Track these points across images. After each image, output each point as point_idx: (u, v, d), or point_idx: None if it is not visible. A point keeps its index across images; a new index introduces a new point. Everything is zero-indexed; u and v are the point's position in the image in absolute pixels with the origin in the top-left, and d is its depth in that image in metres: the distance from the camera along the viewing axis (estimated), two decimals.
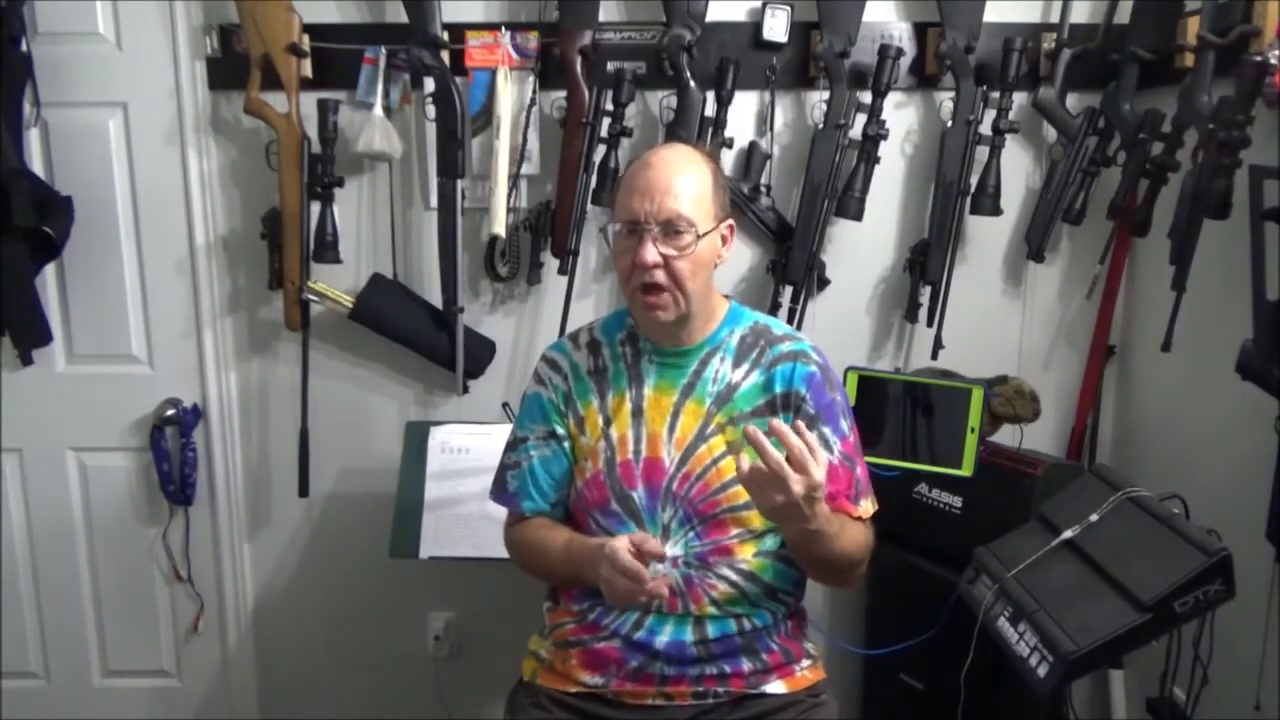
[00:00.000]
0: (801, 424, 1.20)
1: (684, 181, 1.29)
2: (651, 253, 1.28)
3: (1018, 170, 1.99)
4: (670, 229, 1.28)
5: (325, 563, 2.19)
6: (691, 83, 1.87)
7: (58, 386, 2.10)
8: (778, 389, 1.37)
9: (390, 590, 2.16)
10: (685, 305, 1.32)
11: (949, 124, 1.90)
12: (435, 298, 2.01)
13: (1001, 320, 2.08)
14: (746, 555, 1.36)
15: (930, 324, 1.99)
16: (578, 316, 1.89)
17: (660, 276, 1.29)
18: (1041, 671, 1.32)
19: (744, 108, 1.97)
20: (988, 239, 2.04)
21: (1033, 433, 1.88)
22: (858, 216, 1.93)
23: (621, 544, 1.21)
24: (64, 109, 1.97)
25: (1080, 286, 2.03)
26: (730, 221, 1.37)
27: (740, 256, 2.04)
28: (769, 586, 1.38)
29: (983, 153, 1.91)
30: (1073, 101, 1.91)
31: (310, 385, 2.02)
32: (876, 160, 1.92)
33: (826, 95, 1.89)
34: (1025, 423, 1.85)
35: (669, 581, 1.25)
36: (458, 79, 1.90)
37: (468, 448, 1.92)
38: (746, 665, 1.37)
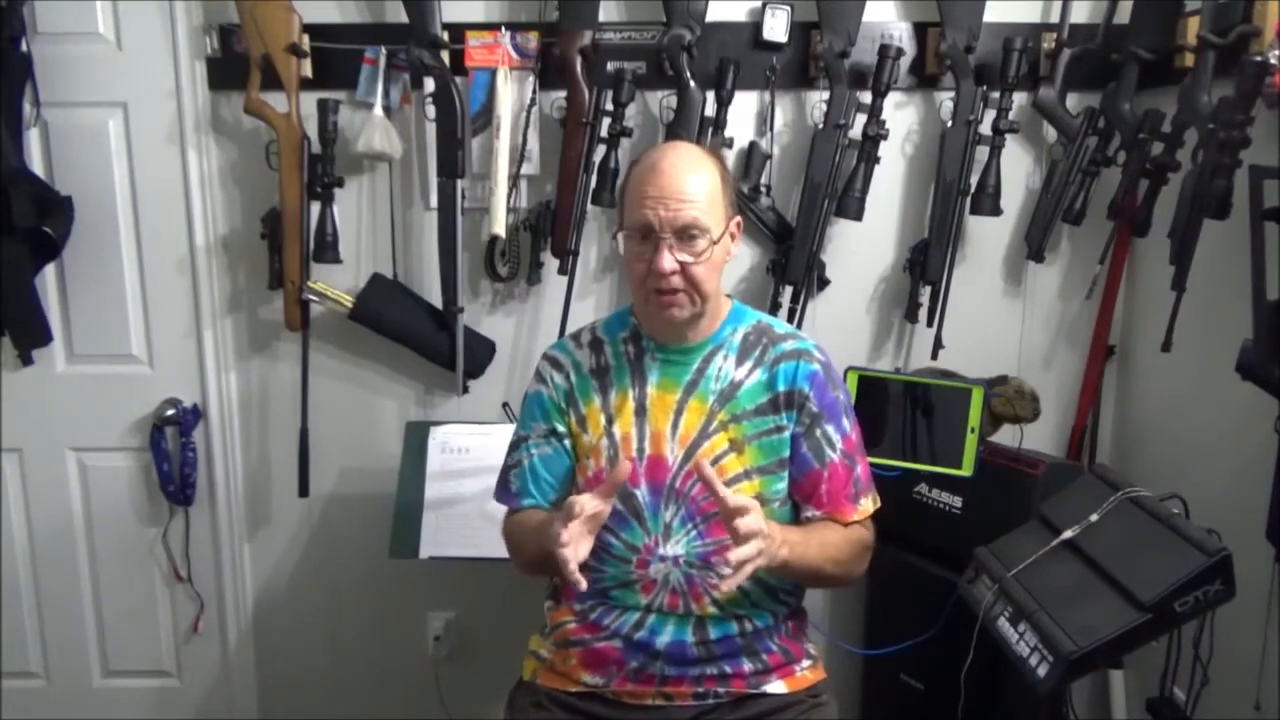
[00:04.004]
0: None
1: (697, 186, 1.29)
2: (669, 261, 1.28)
3: (1018, 170, 1.99)
4: (685, 235, 1.28)
5: (325, 563, 2.19)
6: (691, 83, 1.86)
7: (58, 386, 2.10)
8: (780, 387, 1.38)
9: (390, 590, 2.16)
10: (700, 305, 1.33)
11: (949, 124, 1.90)
12: (435, 298, 2.01)
13: (1001, 320, 2.08)
14: None
15: (930, 324, 1.99)
16: (578, 316, 1.89)
17: (677, 282, 1.29)
18: (1041, 671, 1.32)
19: (744, 108, 1.97)
20: (988, 239, 2.04)
21: (1033, 433, 1.88)
22: (858, 216, 1.93)
23: (584, 495, 1.22)
24: (64, 109, 1.97)
25: (1080, 286, 2.03)
26: (738, 219, 1.38)
27: (740, 256, 2.04)
28: (770, 587, 1.38)
29: (983, 153, 1.91)
30: (1073, 101, 1.91)
31: (310, 385, 2.02)
32: (876, 160, 1.92)
33: (826, 95, 1.89)
34: (1025, 423, 1.85)
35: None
36: (458, 79, 1.90)
37: (468, 448, 1.92)
38: (747, 665, 1.37)
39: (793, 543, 1.27)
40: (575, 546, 1.19)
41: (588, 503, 1.21)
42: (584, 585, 1.19)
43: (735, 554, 1.15)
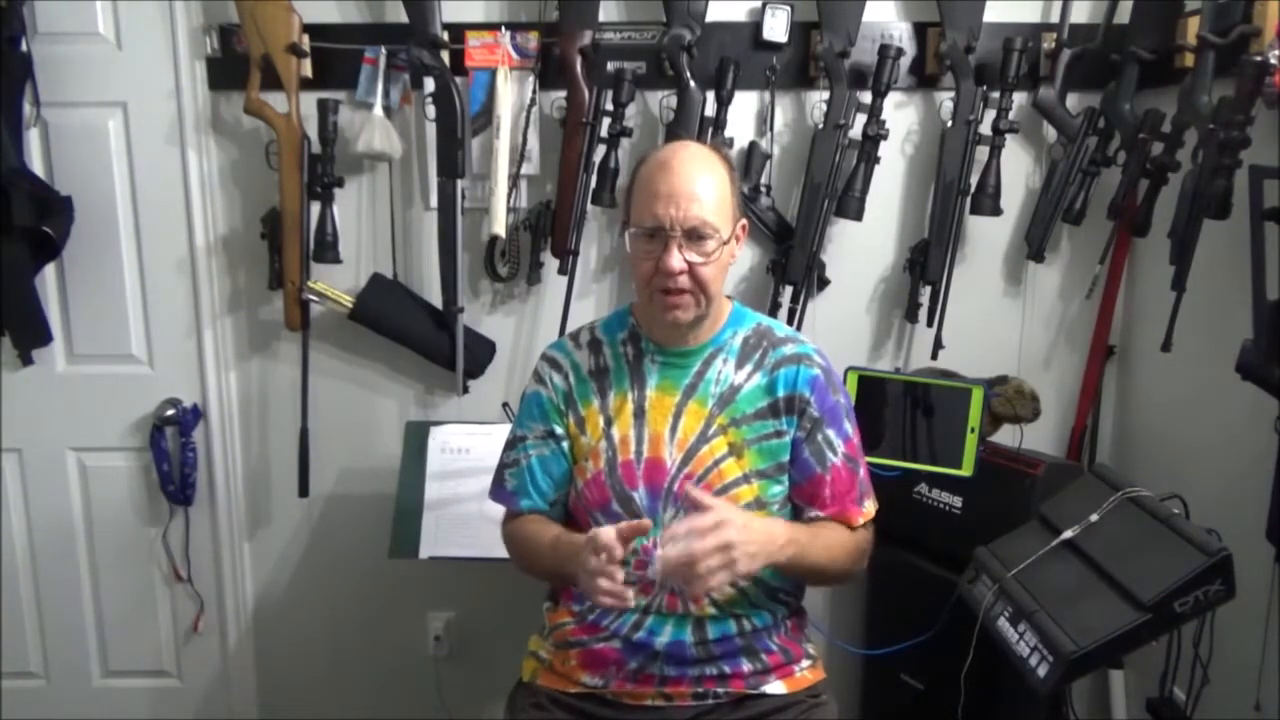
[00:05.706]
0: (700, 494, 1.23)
1: (707, 186, 1.29)
2: (678, 260, 1.27)
3: (1018, 170, 1.99)
4: (695, 235, 1.28)
5: (325, 563, 2.19)
6: (691, 83, 1.86)
7: (58, 386, 2.10)
8: (780, 392, 1.37)
9: (390, 590, 2.16)
10: (705, 306, 1.33)
11: (949, 124, 1.90)
12: (435, 298, 2.01)
13: (1001, 320, 2.08)
14: None
15: (930, 324, 1.99)
16: (578, 316, 1.89)
17: (684, 282, 1.29)
18: (1041, 671, 1.32)
19: (744, 108, 1.97)
20: (988, 239, 2.04)
21: (1033, 433, 1.88)
22: (858, 216, 1.93)
23: (607, 530, 1.19)
24: (64, 109, 1.97)
25: (1080, 286, 2.03)
26: (744, 221, 1.38)
27: (740, 257, 2.02)
28: (769, 587, 1.38)
29: (983, 153, 1.91)
30: (1073, 101, 1.91)
31: (310, 385, 2.02)
32: (876, 160, 1.92)
33: (826, 95, 1.89)
34: (1025, 423, 1.85)
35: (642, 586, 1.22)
36: (458, 79, 1.90)
37: (468, 448, 1.92)
38: (746, 665, 1.38)
39: (800, 542, 1.27)
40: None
41: (614, 543, 1.18)
42: (631, 603, 1.19)
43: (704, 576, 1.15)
